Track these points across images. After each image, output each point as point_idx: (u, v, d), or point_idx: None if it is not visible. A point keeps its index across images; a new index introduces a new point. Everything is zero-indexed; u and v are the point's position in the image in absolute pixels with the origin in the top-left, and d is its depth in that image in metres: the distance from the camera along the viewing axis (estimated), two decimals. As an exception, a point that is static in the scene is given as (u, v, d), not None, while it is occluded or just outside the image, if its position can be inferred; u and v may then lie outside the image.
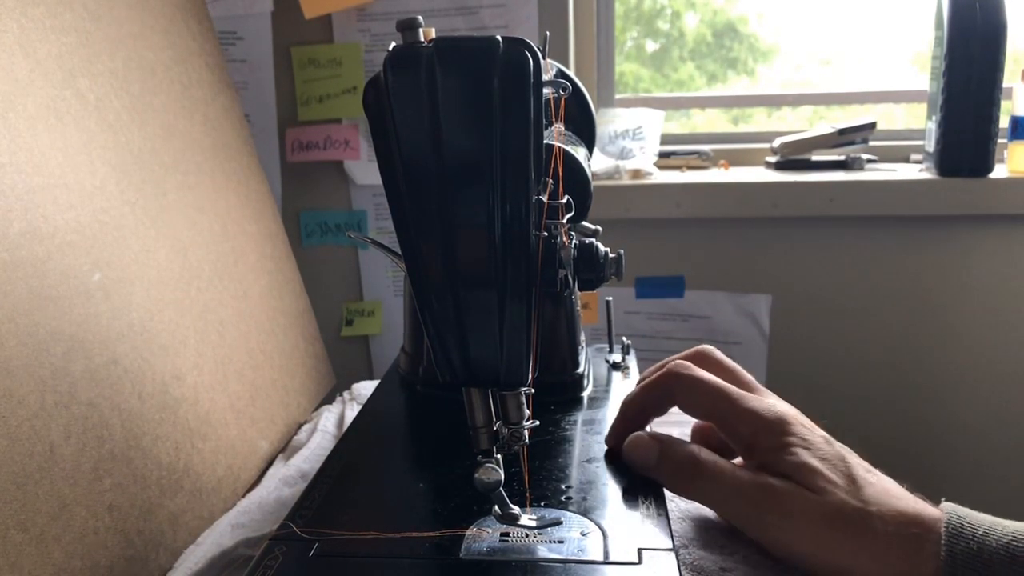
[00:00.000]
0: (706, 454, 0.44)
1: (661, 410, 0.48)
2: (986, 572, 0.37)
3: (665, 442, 0.45)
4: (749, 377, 0.50)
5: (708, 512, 0.47)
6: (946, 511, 0.40)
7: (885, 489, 0.41)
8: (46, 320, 0.45)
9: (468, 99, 0.34)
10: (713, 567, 0.44)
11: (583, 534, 0.39)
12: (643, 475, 0.44)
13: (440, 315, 0.36)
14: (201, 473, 0.56)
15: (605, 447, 0.48)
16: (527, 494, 0.42)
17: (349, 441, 0.52)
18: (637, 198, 1.04)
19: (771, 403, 0.45)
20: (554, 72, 0.51)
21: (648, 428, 0.48)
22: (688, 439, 0.49)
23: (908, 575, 0.38)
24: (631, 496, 0.43)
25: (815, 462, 0.41)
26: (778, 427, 0.43)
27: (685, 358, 0.51)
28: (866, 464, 0.43)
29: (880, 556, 0.39)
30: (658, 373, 0.48)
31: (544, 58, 0.37)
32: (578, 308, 0.58)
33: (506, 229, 0.35)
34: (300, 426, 0.72)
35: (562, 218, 0.41)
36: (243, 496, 0.58)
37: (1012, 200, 0.98)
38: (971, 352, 1.06)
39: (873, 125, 1.11)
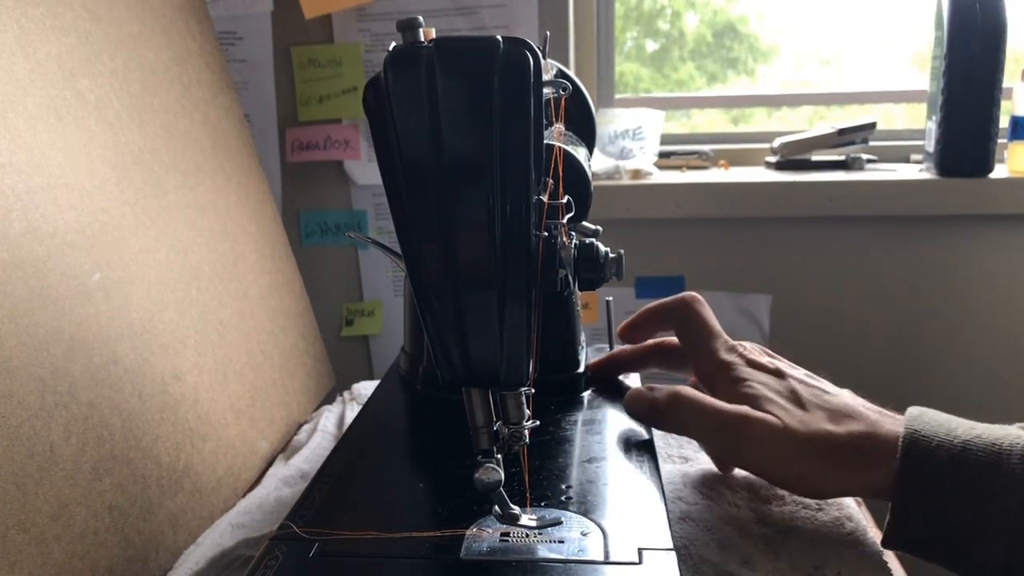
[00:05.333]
0: (688, 390, 0.48)
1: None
2: (935, 486, 0.40)
3: (656, 387, 0.50)
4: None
5: (708, 512, 0.47)
6: (907, 423, 0.42)
7: (839, 409, 0.45)
8: (46, 320, 0.45)
9: (468, 99, 0.34)
10: (713, 567, 0.44)
11: (583, 534, 0.39)
12: (641, 421, 0.51)
13: (440, 315, 0.36)
14: (201, 473, 0.56)
15: (605, 447, 0.48)
16: (527, 494, 0.42)
17: (349, 441, 0.52)
18: (637, 198, 1.04)
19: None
20: (554, 72, 0.51)
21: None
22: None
23: (865, 488, 0.42)
24: (631, 496, 0.43)
25: (769, 393, 0.46)
26: (728, 368, 0.49)
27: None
28: (822, 386, 0.47)
29: (836, 471, 0.42)
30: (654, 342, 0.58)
31: (544, 58, 0.37)
32: (578, 308, 0.58)
33: (506, 229, 0.35)
34: (300, 426, 0.72)
35: (562, 218, 0.41)
36: (243, 496, 0.58)
37: (1012, 200, 0.98)
38: (971, 352, 1.06)
39: (873, 125, 1.11)
